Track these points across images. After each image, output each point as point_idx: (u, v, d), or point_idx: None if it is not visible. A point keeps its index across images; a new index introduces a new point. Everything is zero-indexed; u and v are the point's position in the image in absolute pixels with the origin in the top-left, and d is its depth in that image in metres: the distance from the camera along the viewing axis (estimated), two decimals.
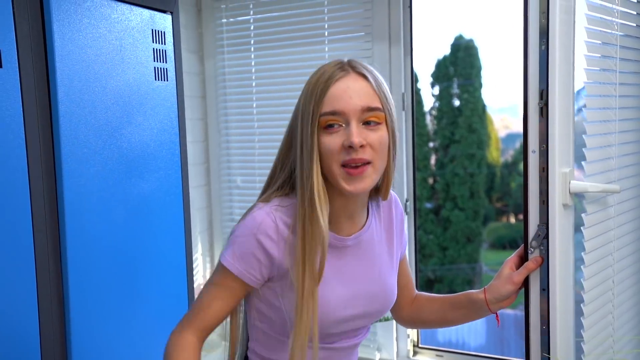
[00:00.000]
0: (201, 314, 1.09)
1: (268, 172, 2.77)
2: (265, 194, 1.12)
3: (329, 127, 1.02)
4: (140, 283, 1.54)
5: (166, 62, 1.63)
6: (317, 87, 1.03)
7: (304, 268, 1.03)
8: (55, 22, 1.27)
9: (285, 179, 1.11)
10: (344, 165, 1.02)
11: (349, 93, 1.01)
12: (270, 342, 1.15)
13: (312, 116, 1.02)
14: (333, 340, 1.14)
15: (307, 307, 1.03)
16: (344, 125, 1.02)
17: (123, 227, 1.48)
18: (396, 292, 1.21)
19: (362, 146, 1.01)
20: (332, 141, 1.01)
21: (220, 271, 1.09)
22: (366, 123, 1.02)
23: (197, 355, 1.09)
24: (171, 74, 1.65)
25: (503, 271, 1.23)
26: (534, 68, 1.21)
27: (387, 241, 1.21)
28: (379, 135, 1.03)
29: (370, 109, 1.02)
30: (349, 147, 1.00)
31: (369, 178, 1.03)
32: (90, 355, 1.38)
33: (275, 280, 1.08)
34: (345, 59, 1.07)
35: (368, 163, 1.02)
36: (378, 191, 1.17)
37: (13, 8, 1.19)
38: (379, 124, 1.04)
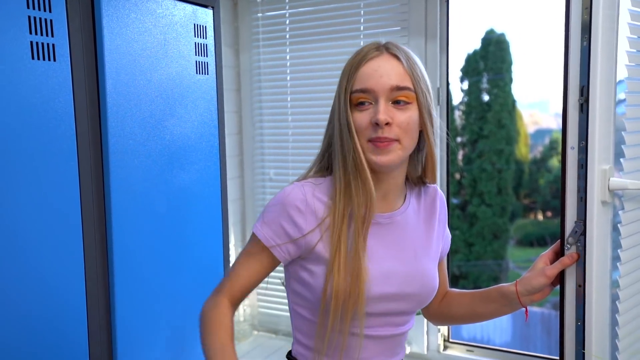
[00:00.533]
0: (231, 281, 1.13)
1: (301, 164, 2.81)
2: (302, 176, 1.17)
3: (359, 104, 1.06)
4: (179, 269, 1.58)
5: (207, 56, 1.66)
6: (351, 66, 1.08)
7: (339, 236, 1.07)
8: (104, 17, 1.31)
9: (322, 162, 1.16)
10: (371, 141, 1.06)
11: (380, 72, 1.05)
12: (313, 328, 1.15)
13: (344, 93, 1.07)
14: (372, 324, 1.13)
15: (348, 277, 1.06)
16: (373, 103, 1.05)
17: (164, 216, 1.52)
18: (437, 281, 1.20)
19: (388, 124, 1.04)
20: (361, 118, 1.05)
21: (250, 240, 1.14)
22: (396, 102, 1.06)
23: (228, 312, 1.12)
24: (211, 67, 1.69)
25: (537, 264, 1.23)
26: (575, 64, 1.21)
27: (426, 231, 1.21)
28: (407, 115, 1.06)
29: (399, 88, 1.05)
30: (376, 124, 1.04)
31: (395, 153, 1.06)
32: (134, 333, 1.43)
33: (307, 258, 1.11)
34: (383, 41, 1.11)
35: (395, 140, 1.06)
36: (422, 177, 1.19)
37: (66, 4, 1.23)
38: (408, 103, 1.06)
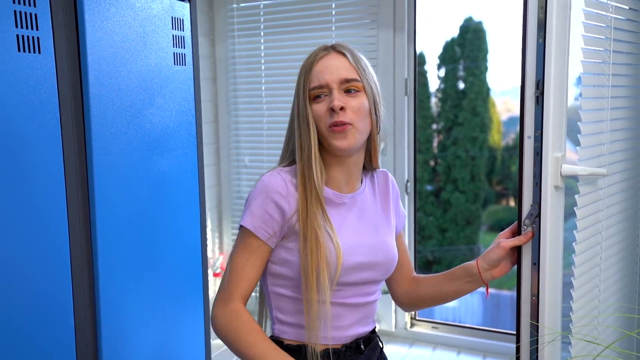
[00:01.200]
0: (237, 284, 1.20)
1: (275, 152, 2.96)
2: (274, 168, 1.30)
3: (317, 97, 1.23)
4: (159, 252, 1.65)
5: (184, 48, 1.72)
6: (305, 67, 1.25)
7: (307, 216, 1.20)
8: (86, 11, 1.37)
9: (289, 154, 1.30)
10: (330, 126, 1.21)
11: (330, 69, 1.22)
12: (294, 305, 1.25)
13: (303, 91, 1.23)
14: (346, 295, 1.26)
15: (314, 249, 1.18)
16: (328, 95, 1.22)
17: (145, 201, 1.59)
18: (396, 252, 1.34)
19: (342, 109, 1.20)
20: (319, 107, 1.22)
21: (240, 234, 1.24)
22: (347, 91, 1.22)
23: (251, 317, 1.19)
24: (189, 58, 1.75)
25: (495, 241, 1.36)
26: (532, 59, 1.30)
27: (383, 209, 1.35)
28: (358, 101, 1.22)
29: (347, 80, 1.22)
30: (332, 110, 1.20)
31: (353, 137, 1.22)
32: (117, 309, 1.51)
33: (288, 237, 1.22)
34: (330, 43, 1.28)
35: (350, 124, 1.21)
36: (369, 162, 1.34)
37: None
38: (358, 91, 1.23)
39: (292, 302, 1.25)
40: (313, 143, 1.23)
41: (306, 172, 1.22)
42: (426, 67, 11.78)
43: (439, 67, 12.02)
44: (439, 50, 11.93)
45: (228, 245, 3.07)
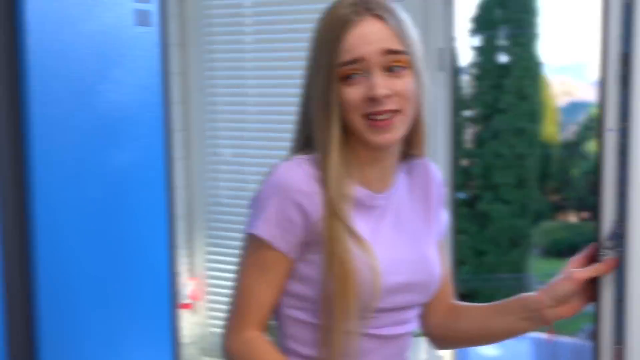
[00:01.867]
0: (248, 307, 1.23)
1: (264, 143, 2.93)
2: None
3: (348, 77, 1.18)
4: (114, 276, 1.67)
5: (148, 2, 1.73)
6: (330, 36, 1.20)
7: (334, 225, 1.19)
8: None
9: (303, 143, 1.27)
10: (367, 116, 1.18)
11: (369, 38, 1.18)
12: (315, 335, 1.26)
13: (328, 68, 1.19)
14: (379, 323, 1.25)
15: (345, 270, 1.17)
16: (365, 75, 1.18)
17: (96, 205, 1.60)
18: (439, 267, 1.32)
19: (387, 96, 1.17)
20: (353, 92, 1.17)
21: (251, 246, 1.23)
22: (390, 70, 1.18)
23: (271, 346, 1.23)
24: (154, 17, 1.75)
25: (564, 269, 1.34)
26: (616, 26, 1.31)
27: (423, 211, 1.34)
28: (405, 81, 1.19)
29: (391, 52, 1.18)
30: (372, 100, 1.17)
31: (398, 129, 1.20)
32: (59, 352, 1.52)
33: (311, 247, 1.21)
34: None
35: (396, 111, 1.18)
36: (408, 149, 1.31)
37: None
38: (404, 68, 1.19)
39: (313, 331, 1.26)
40: (335, 142, 1.21)
41: (336, 169, 1.21)
42: (455, 34, 11.81)
43: (472, 34, 12.02)
44: (473, 11, 11.95)
45: (201, 267, 3.07)
